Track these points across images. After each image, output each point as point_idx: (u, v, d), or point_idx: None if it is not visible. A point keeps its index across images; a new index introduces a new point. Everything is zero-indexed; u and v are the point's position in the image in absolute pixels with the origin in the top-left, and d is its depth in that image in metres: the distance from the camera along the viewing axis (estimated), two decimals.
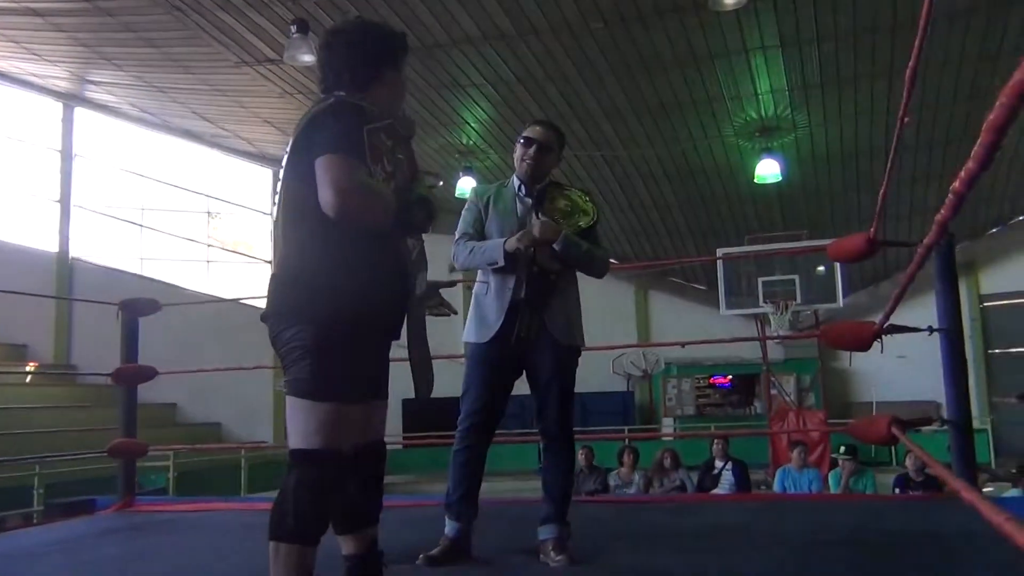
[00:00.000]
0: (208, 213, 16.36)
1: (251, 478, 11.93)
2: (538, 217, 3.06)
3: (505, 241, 2.97)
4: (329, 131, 2.02)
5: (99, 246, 15.33)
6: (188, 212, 16.16)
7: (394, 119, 2.18)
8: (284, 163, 2.13)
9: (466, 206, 3.25)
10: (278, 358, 2.10)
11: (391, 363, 2.31)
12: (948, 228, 1.52)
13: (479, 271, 3.09)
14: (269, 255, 16.41)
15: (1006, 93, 0.92)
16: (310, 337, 2.02)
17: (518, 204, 3.16)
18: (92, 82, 13.03)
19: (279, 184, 2.15)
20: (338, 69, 2.20)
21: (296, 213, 2.10)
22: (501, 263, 2.96)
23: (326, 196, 1.95)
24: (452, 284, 2.84)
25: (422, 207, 2.13)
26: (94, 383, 13.48)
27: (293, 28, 8.68)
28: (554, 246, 2.97)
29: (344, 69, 2.20)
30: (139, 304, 4.61)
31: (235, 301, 13.52)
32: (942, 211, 1.32)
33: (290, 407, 2.03)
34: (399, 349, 2.31)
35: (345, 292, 2.03)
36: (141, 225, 15.77)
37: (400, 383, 2.49)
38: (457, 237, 3.14)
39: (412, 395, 2.35)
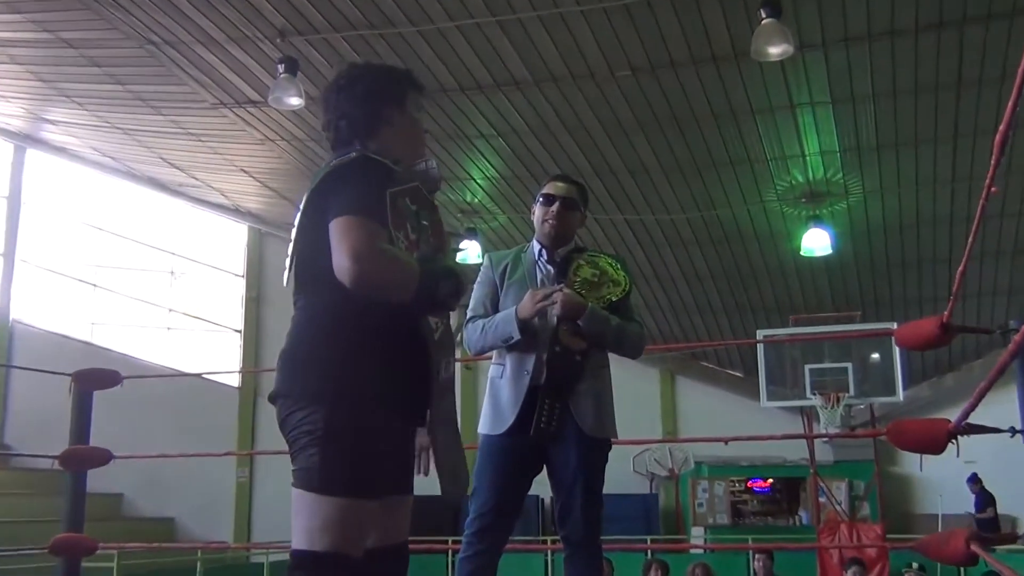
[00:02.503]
0: (171, 273, 16.47)
1: None
2: (561, 289, 3.08)
3: (517, 307, 2.97)
4: (348, 191, 2.05)
5: (44, 308, 15.39)
6: (148, 271, 16.26)
7: (417, 176, 2.22)
8: (296, 223, 2.17)
9: (478, 278, 3.26)
10: (287, 445, 2.10)
11: None
12: None
13: (495, 351, 3.10)
14: (238, 323, 16.50)
15: None
16: (319, 421, 2.01)
17: (539, 273, 3.19)
18: (49, 121, 13.28)
19: (291, 247, 2.18)
20: (336, 121, 2.25)
21: (308, 281, 2.13)
22: (517, 337, 2.96)
23: (341, 262, 1.96)
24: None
25: (448, 281, 2.13)
26: (31, 467, 13.36)
27: (280, 68, 8.87)
28: (579, 322, 2.98)
29: (340, 119, 2.24)
30: (96, 376, 4.61)
31: (198, 376, 13.52)
32: None
33: (295, 501, 2.03)
34: None
35: (359, 372, 2.04)
36: (94, 285, 15.86)
37: None
38: (468, 317, 3.15)
39: None
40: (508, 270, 3.17)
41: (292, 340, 2.14)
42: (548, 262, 3.19)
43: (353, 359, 2.05)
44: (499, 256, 3.26)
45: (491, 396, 3.06)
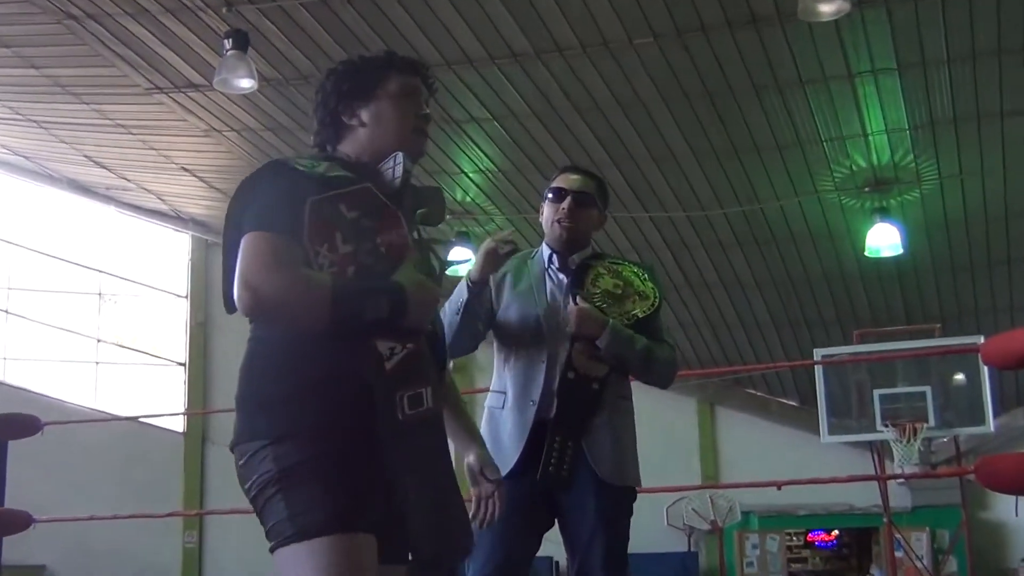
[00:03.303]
0: (100, 296, 16.47)
1: None
2: (575, 302, 3.08)
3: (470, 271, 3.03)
4: (254, 204, 2.18)
5: None
6: (72, 294, 16.24)
7: (372, 175, 2.27)
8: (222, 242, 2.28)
9: None
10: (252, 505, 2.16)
11: None
12: None
13: (494, 376, 3.11)
14: (181, 355, 16.51)
15: None
16: (270, 464, 2.08)
17: (549, 283, 3.20)
18: None
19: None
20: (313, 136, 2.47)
21: None
22: (466, 296, 3.00)
23: (235, 287, 2.10)
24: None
25: (378, 299, 2.15)
26: None
27: (228, 43, 8.87)
28: (597, 342, 2.99)
29: (314, 133, 2.45)
30: (11, 422, 4.61)
31: (135, 420, 13.46)
32: None
33: (278, 566, 2.07)
34: None
35: (297, 403, 2.12)
36: (5, 311, 15.85)
37: None
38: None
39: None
40: (510, 280, 3.18)
41: (239, 379, 2.24)
42: (560, 270, 3.20)
43: (293, 389, 2.13)
44: None
45: (490, 432, 3.06)
